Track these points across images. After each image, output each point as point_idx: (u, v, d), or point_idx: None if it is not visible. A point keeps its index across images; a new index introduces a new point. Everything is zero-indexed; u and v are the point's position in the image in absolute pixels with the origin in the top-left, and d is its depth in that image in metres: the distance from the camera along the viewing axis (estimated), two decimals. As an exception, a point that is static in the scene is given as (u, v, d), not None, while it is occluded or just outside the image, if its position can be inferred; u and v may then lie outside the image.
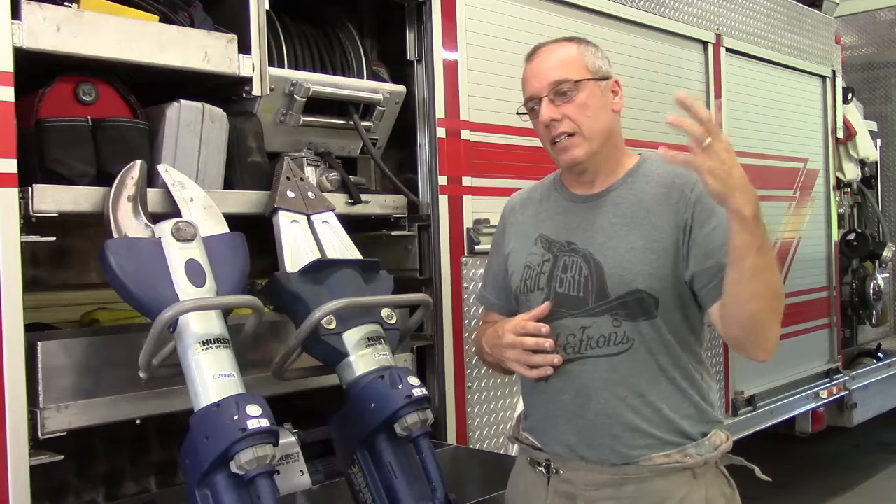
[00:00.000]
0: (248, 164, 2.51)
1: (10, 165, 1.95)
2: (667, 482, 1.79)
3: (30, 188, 2.01)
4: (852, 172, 6.00)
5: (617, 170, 1.91)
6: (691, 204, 1.81)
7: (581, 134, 1.83)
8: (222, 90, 2.49)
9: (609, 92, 1.89)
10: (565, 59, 1.87)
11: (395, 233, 2.97)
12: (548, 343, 1.80)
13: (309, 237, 2.44)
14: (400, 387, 2.17)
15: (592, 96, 1.85)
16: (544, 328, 1.81)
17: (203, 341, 1.96)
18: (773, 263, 1.65)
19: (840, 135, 5.58)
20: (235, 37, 2.38)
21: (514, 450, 2.68)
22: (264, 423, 1.85)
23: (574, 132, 1.83)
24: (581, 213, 1.90)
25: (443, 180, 2.99)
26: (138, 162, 2.18)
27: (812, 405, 5.02)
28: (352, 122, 2.85)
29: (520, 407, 2.09)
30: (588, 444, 1.82)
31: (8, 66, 1.96)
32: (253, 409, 1.86)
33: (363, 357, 2.26)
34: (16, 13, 1.98)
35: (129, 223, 2.10)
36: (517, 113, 1.95)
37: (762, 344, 1.74)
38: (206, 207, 2.25)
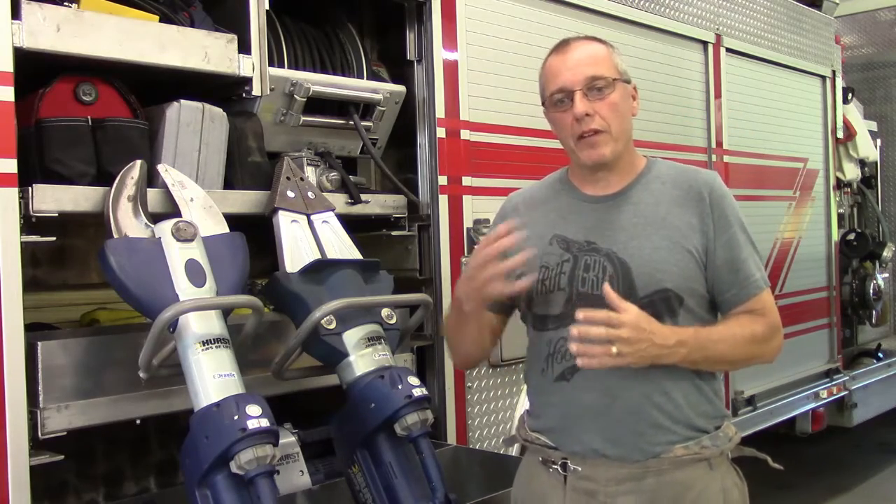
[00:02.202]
0: (248, 164, 2.51)
1: (10, 165, 1.95)
2: (685, 474, 1.81)
3: (30, 188, 2.01)
4: (852, 172, 6.00)
5: (630, 171, 1.93)
6: (712, 209, 1.86)
7: (609, 133, 1.84)
8: (222, 90, 2.49)
9: (630, 96, 1.91)
10: (599, 56, 1.87)
11: (395, 233, 2.97)
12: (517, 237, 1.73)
13: (309, 237, 2.44)
14: (400, 387, 2.17)
15: (622, 97, 1.86)
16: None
17: (203, 341, 1.97)
18: (719, 346, 1.81)
19: (840, 135, 5.58)
20: (235, 37, 2.38)
21: (514, 450, 2.67)
22: (264, 423, 1.85)
23: (604, 130, 1.83)
24: (598, 214, 1.90)
25: (443, 180, 2.99)
26: (138, 162, 2.18)
27: (812, 405, 5.02)
28: (352, 122, 2.84)
29: (521, 407, 2.08)
30: (612, 442, 1.82)
31: (8, 66, 1.96)
32: (253, 409, 1.86)
33: (363, 357, 2.26)
34: (16, 13, 1.98)
35: (129, 223, 2.10)
36: (542, 104, 1.92)
37: (762, 362, 1.93)
38: (206, 207, 2.25)
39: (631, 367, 1.72)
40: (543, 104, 1.93)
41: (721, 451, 1.86)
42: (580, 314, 1.68)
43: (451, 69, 3.03)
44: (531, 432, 1.97)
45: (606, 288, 1.72)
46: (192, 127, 2.34)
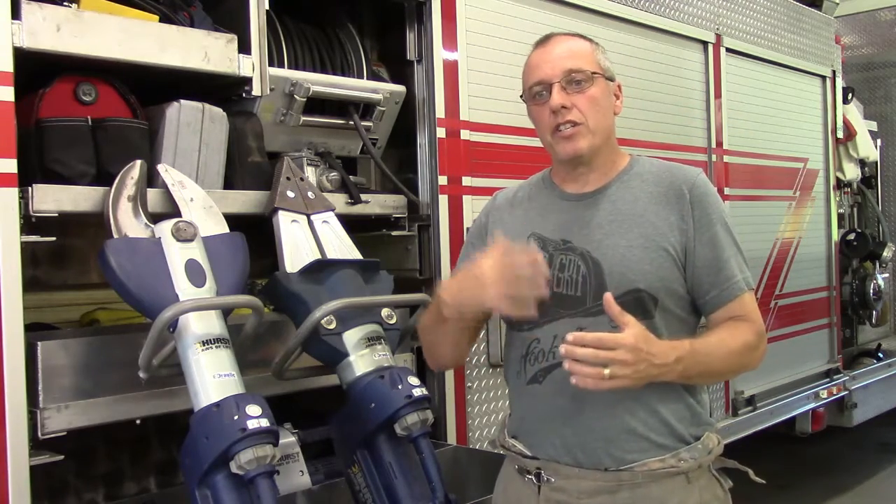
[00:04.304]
0: (248, 164, 2.51)
1: (10, 165, 1.95)
2: (661, 487, 1.77)
3: (30, 188, 2.01)
4: (852, 172, 6.00)
5: (611, 169, 1.90)
6: (692, 207, 1.82)
7: (587, 126, 1.82)
8: (222, 90, 2.49)
9: (613, 94, 1.90)
10: (580, 50, 1.87)
11: (395, 233, 2.97)
12: (540, 259, 1.68)
13: (309, 237, 2.44)
14: (400, 387, 2.17)
15: (602, 93, 1.85)
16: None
17: (203, 341, 1.96)
18: (713, 359, 1.75)
19: (840, 135, 5.58)
20: (235, 37, 2.38)
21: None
22: (264, 423, 1.85)
23: (581, 123, 1.82)
24: (576, 212, 1.88)
25: (443, 180, 2.99)
26: (138, 162, 2.18)
27: (812, 405, 5.01)
28: (352, 122, 2.84)
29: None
30: (582, 446, 1.78)
31: (8, 66, 1.96)
32: (253, 409, 1.86)
33: (363, 357, 2.26)
34: (16, 13, 1.98)
35: (129, 223, 2.10)
36: (520, 97, 1.93)
37: (747, 371, 1.88)
38: (206, 207, 2.25)
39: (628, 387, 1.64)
40: (523, 98, 1.92)
41: (699, 465, 1.80)
42: (569, 336, 1.60)
43: (451, 69, 3.03)
44: (508, 438, 1.94)
45: (608, 298, 1.64)
46: (192, 127, 2.34)
